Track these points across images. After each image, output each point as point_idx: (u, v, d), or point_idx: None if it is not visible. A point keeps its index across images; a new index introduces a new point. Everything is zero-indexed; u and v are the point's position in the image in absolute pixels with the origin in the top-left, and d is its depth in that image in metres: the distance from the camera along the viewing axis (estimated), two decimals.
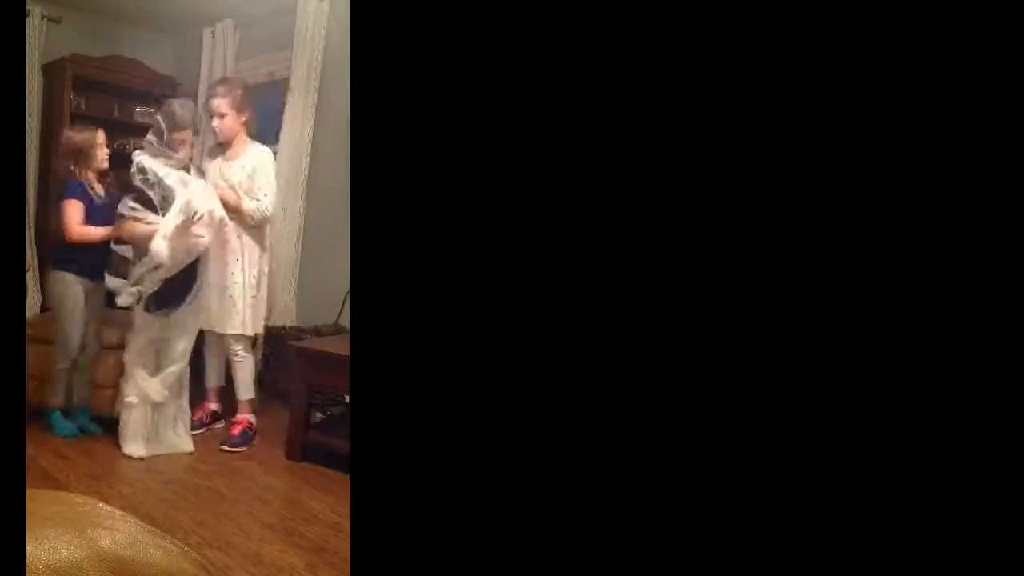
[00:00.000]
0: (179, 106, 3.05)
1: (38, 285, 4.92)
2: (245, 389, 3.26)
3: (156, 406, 2.95)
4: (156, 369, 2.97)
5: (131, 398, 2.91)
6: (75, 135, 3.13)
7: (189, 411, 3.12)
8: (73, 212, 2.98)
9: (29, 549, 0.56)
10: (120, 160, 5.38)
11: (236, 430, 3.17)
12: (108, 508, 0.72)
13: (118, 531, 0.64)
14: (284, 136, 4.23)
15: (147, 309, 2.92)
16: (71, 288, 3.03)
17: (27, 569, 0.54)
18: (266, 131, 4.57)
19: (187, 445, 3.03)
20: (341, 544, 2.24)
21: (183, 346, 3.01)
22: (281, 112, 4.30)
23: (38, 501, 0.68)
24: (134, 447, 2.90)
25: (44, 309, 3.87)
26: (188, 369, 3.09)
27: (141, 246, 2.86)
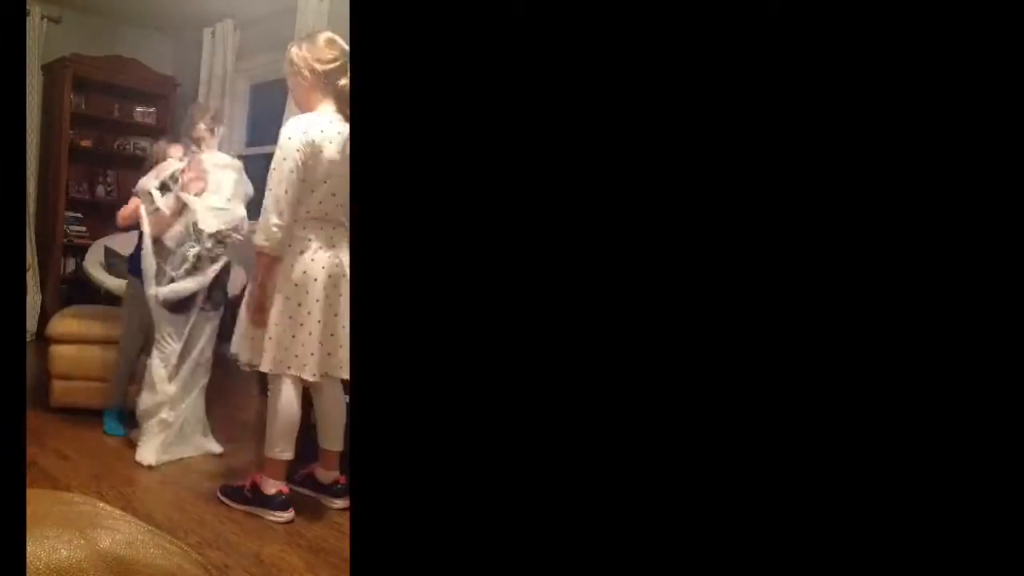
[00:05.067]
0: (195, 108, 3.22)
1: (38, 285, 4.93)
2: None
3: (174, 407, 2.89)
4: (175, 373, 2.93)
5: (145, 404, 2.89)
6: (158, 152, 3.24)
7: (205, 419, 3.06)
8: (131, 204, 3.12)
9: (29, 549, 0.56)
10: (121, 160, 5.40)
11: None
12: (108, 508, 0.72)
13: (118, 531, 0.64)
14: None
15: (171, 310, 2.90)
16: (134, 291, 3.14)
17: (27, 569, 0.54)
18: (266, 131, 4.57)
19: (214, 446, 3.00)
20: (341, 544, 2.24)
21: (198, 350, 2.96)
22: (281, 112, 4.30)
23: (38, 501, 0.68)
24: (145, 454, 2.82)
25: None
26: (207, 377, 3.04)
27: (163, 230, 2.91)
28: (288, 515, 2.37)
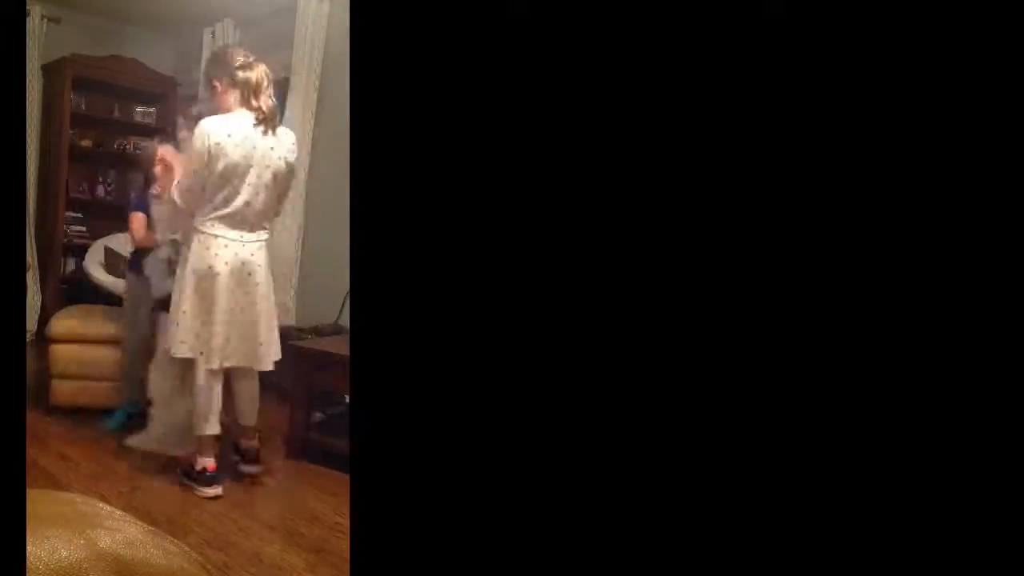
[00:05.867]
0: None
1: (38, 285, 4.93)
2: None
3: (175, 402, 2.91)
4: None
5: (150, 395, 2.90)
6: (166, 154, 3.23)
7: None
8: (137, 223, 3.18)
9: (29, 549, 0.56)
10: (121, 160, 5.40)
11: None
12: (108, 508, 0.72)
13: (118, 531, 0.64)
14: None
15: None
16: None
17: (27, 569, 0.54)
18: None
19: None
20: (341, 544, 2.24)
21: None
22: (281, 112, 4.31)
23: (38, 501, 0.68)
24: (134, 439, 2.86)
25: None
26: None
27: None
28: (214, 490, 2.55)
